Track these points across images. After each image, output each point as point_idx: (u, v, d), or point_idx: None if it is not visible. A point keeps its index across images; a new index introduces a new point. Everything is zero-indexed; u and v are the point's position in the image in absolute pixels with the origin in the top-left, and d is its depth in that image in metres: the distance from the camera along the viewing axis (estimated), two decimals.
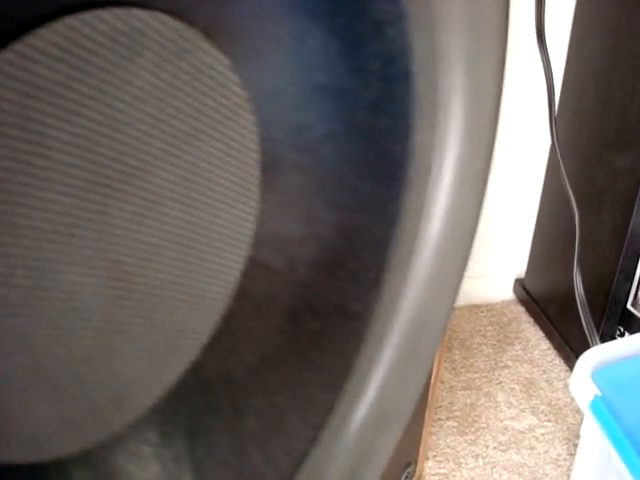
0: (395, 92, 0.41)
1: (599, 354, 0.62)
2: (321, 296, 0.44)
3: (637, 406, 0.58)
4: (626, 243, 0.79)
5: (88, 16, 0.27)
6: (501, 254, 1.10)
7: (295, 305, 0.44)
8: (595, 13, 0.86)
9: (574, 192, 0.90)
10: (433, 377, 0.67)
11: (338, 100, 0.40)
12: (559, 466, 0.77)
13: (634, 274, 0.82)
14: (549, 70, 0.65)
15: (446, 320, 0.50)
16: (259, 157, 0.39)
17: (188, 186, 0.36)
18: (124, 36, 0.29)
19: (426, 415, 0.69)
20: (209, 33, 0.33)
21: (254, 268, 0.42)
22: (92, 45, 0.28)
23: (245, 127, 0.37)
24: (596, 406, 0.56)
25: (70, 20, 0.26)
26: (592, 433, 0.58)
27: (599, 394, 0.57)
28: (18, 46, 0.25)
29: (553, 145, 0.68)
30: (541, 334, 1.00)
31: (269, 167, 0.40)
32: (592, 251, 0.86)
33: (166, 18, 0.31)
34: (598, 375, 0.60)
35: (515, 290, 1.10)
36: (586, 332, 0.72)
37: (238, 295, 0.42)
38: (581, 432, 0.64)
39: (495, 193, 1.04)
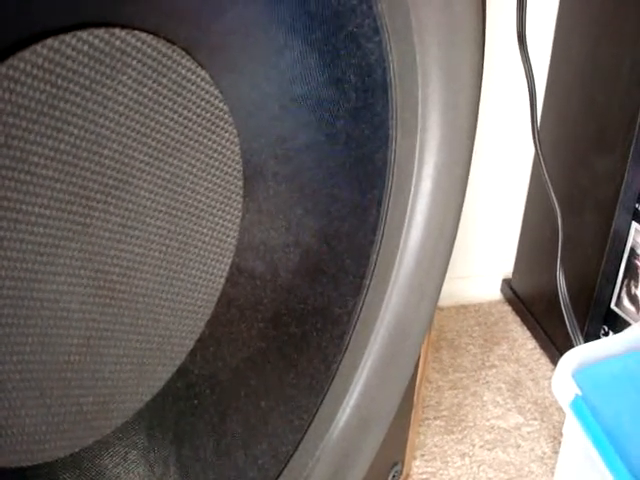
0: (373, 102, 0.42)
1: (581, 354, 0.63)
2: (303, 301, 0.45)
3: (617, 405, 0.59)
4: (608, 244, 0.80)
5: (69, 37, 0.28)
6: (488, 255, 1.11)
7: (278, 310, 0.45)
8: (577, 17, 0.87)
9: (558, 194, 0.91)
10: (419, 377, 0.68)
11: (317, 111, 0.41)
12: (544, 464, 0.79)
13: (617, 275, 0.83)
14: (531, 75, 0.66)
15: (428, 323, 0.51)
16: (241, 167, 0.40)
17: (171, 197, 0.37)
18: (105, 55, 0.30)
19: (412, 415, 0.70)
20: (189, 49, 0.34)
21: (238, 275, 0.44)
22: (74, 65, 0.29)
23: (226, 139, 0.39)
24: (577, 405, 0.57)
25: (51, 42, 0.27)
26: (574, 432, 0.59)
27: (580, 393, 0.58)
28: (1, 68, 0.26)
29: (536, 149, 0.69)
30: (528, 334, 1.01)
31: (251, 177, 0.41)
32: (576, 252, 0.87)
33: (145, 36, 0.32)
34: (579, 375, 0.61)
35: (502, 290, 1.11)
36: (570, 332, 0.73)
37: (222, 301, 0.43)
38: (563, 430, 0.65)
39: (481, 195, 1.05)
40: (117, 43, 0.31)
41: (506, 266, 1.13)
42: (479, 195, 1.05)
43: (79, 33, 0.29)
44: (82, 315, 0.35)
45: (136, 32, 0.31)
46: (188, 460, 0.42)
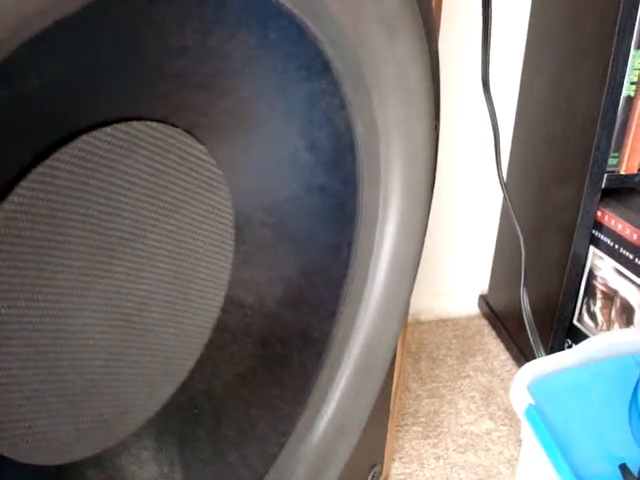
0: (344, 161, 0.50)
1: (537, 367, 0.70)
2: (287, 326, 0.53)
3: (567, 414, 0.65)
4: (568, 266, 0.88)
5: (97, 133, 0.36)
6: (467, 272, 1.17)
7: (265, 334, 0.53)
8: (541, 61, 0.94)
9: (524, 221, 0.99)
10: (394, 387, 0.75)
11: (297, 170, 0.49)
12: (512, 465, 0.85)
13: (577, 293, 0.91)
14: (494, 117, 0.73)
15: (395, 342, 0.59)
16: (233, 218, 0.49)
17: (176, 244, 0.45)
18: (124, 142, 0.38)
19: (389, 421, 0.78)
20: (190, 130, 0.43)
21: (231, 305, 0.52)
22: (100, 151, 0.37)
23: (221, 196, 0.47)
24: (530, 413, 0.64)
25: (85, 138, 0.36)
26: (529, 437, 0.67)
27: (533, 403, 0.65)
28: (48, 162, 0.34)
29: (500, 183, 0.76)
30: (502, 346, 1.07)
31: (241, 225, 0.49)
32: (541, 273, 0.95)
33: (155, 124, 0.40)
34: (534, 386, 0.67)
35: (479, 306, 1.18)
36: (532, 345, 0.81)
37: (218, 327, 0.51)
38: (521, 436, 0.72)
39: (459, 220, 1.13)
40: (133, 132, 0.39)
41: (483, 283, 1.19)
42: (457, 219, 1.13)
43: (105, 129, 0.37)
44: (104, 342, 0.43)
45: (147, 122, 0.40)
46: (190, 460, 0.50)
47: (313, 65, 0.44)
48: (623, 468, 0.60)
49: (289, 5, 0.39)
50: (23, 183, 0.33)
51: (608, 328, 0.88)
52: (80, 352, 0.41)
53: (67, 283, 0.39)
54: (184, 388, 0.50)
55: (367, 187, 0.52)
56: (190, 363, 0.50)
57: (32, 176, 0.34)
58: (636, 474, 0.61)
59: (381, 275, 0.55)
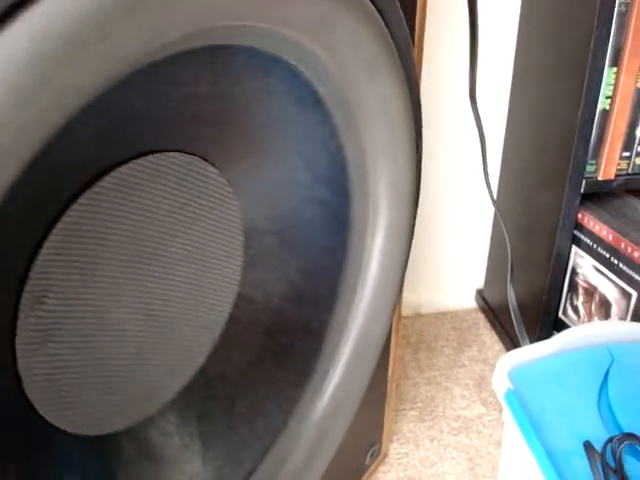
0: (337, 178, 0.58)
1: (517, 355, 0.76)
2: (290, 319, 0.61)
3: (542, 398, 0.69)
4: (552, 264, 0.95)
5: (130, 164, 0.45)
6: (464, 269, 1.23)
7: (271, 326, 0.61)
8: (528, 77, 1.00)
9: (514, 223, 1.07)
10: (390, 373, 0.83)
11: (297, 186, 0.57)
12: (500, 446, 0.92)
13: (562, 289, 0.98)
14: (481, 130, 0.79)
15: (385, 333, 0.67)
16: (242, 227, 0.57)
17: (193, 251, 0.54)
18: (151, 170, 0.47)
19: (386, 405, 0.86)
20: (205, 157, 0.51)
21: (241, 301, 0.60)
22: (133, 179, 0.46)
23: (232, 210, 0.55)
24: (508, 397, 0.69)
25: (121, 169, 0.44)
26: (509, 418, 0.74)
27: (511, 388, 0.71)
28: (93, 189, 0.43)
29: (489, 192, 0.83)
30: (496, 338, 1.13)
31: (249, 233, 0.58)
32: (529, 270, 1.02)
33: (174, 154, 0.48)
34: (513, 372, 0.74)
35: (476, 300, 1.25)
36: (518, 336, 0.88)
37: (230, 320, 0.59)
38: (503, 418, 0.79)
39: (458, 221, 1.19)
40: (159, 162, 0.47)
41: (479, 279, 1.26)
42: (455, 220, 1.20)
43: (140, 161, 0.45)
44: (135, 334, 0.51)
45: (168, 153, 0.48)
46: (207, 433, 0.57)
47: (308, 101, 0.51)
48: (587, 445, 0.67)
49: (285, 56, 0.47)
50: (74, 207, 0.42)
51: (589, 321, 0.96)
52: (116, 341, 0.49)
53: (106, 285, 0.47)
54: (202, 372, 0.57)
55: (358, 200, 0.59)
56: (207, 350, 0.58)
57: (81, 200, 0.42)
58: (600, 451, 0.68)
59: (372, 275, 0.63)
